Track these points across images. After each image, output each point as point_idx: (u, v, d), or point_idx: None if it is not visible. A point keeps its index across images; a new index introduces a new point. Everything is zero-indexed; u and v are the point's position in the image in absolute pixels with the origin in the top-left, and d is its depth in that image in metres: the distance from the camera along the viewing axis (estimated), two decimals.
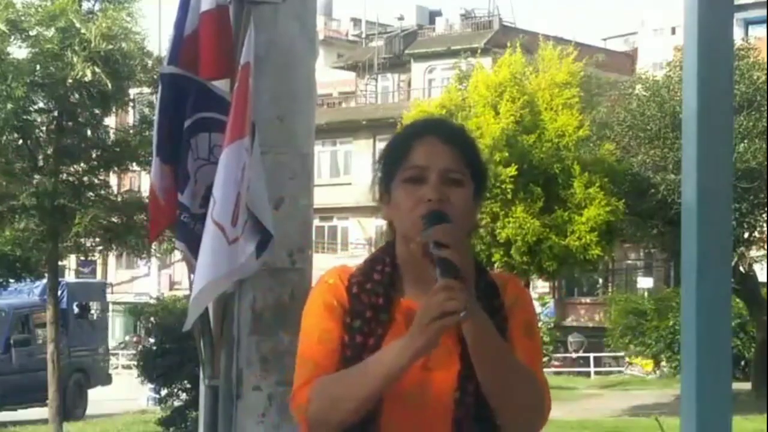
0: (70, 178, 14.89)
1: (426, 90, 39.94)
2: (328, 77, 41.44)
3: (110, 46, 13.71)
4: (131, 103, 15.86)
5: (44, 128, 14.76)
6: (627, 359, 33.15)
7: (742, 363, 24.74)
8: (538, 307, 27.81)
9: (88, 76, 13.48)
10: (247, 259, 3.47)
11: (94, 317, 24.42)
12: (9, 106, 13.51)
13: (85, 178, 15.01)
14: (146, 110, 15.46)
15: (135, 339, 34.41)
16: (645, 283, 36.66)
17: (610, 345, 31.81)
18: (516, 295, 2.31)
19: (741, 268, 22.38)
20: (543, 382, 2.23)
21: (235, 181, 3.41)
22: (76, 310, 23.33)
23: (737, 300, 22.24)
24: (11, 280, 18.59)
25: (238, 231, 3.41)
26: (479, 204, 2.34)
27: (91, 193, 14.90)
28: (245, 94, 3.47)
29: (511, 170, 20.73)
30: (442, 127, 2.35)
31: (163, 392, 15.39)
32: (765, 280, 23.87)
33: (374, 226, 39.56)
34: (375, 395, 2.14)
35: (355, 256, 39.26)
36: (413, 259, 2.24)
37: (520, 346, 2.23)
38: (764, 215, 21.55)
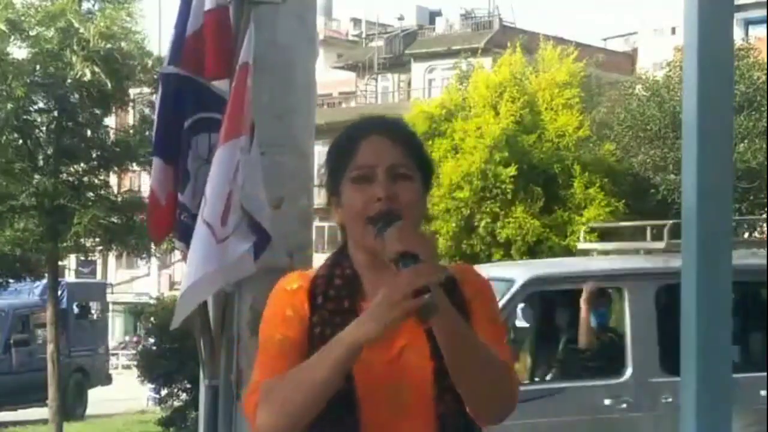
0: (70, 178, 14.88)
1: (426, 90, 39.88)
2: (328, 77, 41.39)
3: (109, 46, 13.71)
4: (131, 103, 15.84)
5: (44, 128, 14.74)
6: None
7: None
8: None
9: (87, 76, 13.48)
10: (239, 259, 3.45)
11: (94, 317, 24.42)
12: (9, 106, 13.52)
13: (85, 178, 14.99)
14: (146, 110, 15.44)
15: (135, 339, 34.40)
16: None
17: None
18: (477, 289, 2.30)
19: None
20: (509, 367, 2.21)
21: (227, 181, 3.40)
22: (76, 310, 23.32)
23: None
24: (11, 280, 18.53)
25: (228, 231, 3.40)
26: (427, 194, 2.33)
27: (91, 193, 14.88)
28: (242, 94, 3.46)
29: (511, 170, 20.69)
30: (385, 124, 2.35)
31: (163, 392, 15.38)
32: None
33: None
34: (325, 388, 2.07)
35: None
36: (370, 262, 2.24)
37: (485, 334, 2.19)
38: (764, 215, 21.54)
